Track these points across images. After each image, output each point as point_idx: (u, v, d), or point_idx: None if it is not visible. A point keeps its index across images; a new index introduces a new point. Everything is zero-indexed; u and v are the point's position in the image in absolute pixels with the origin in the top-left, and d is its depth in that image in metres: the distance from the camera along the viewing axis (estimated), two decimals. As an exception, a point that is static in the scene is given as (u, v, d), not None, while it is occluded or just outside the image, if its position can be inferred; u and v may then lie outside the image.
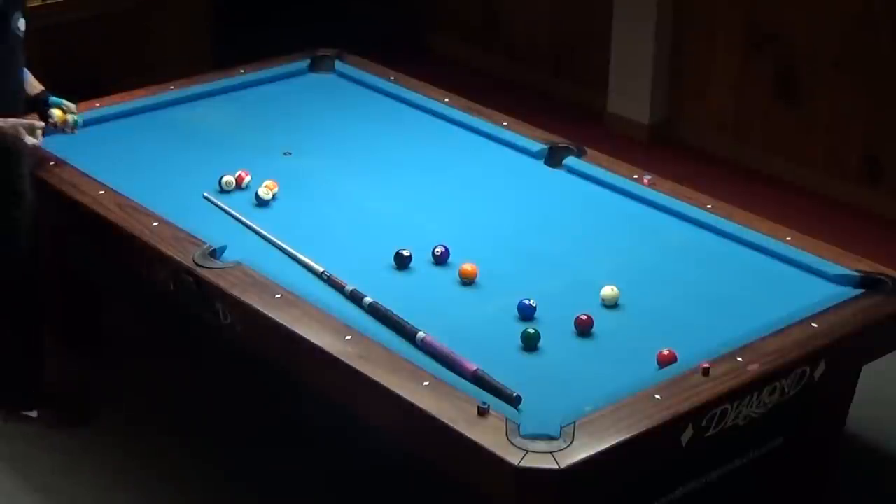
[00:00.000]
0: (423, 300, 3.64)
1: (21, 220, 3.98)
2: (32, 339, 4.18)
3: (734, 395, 3.19)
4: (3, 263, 4.01)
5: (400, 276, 3.77)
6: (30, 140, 3.88)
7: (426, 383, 3.18)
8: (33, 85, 4.18)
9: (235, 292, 3.59)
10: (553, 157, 4.44)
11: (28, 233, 4.01)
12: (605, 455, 2.96)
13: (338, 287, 3.65)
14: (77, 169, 4.17)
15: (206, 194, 4.12)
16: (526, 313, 3.55)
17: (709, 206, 4.10)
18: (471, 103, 4.84)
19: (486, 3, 7.24)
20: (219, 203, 4.10)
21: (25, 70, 4.09)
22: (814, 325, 3.45)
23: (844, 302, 3.57)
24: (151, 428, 4.20)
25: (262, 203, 4.13)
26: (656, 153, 6.14)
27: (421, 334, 3.39)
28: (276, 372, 3.73)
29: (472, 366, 3.25)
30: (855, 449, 4.14)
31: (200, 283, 3.65)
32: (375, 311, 3.52)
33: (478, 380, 3.22)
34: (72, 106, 4.20)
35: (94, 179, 4.11)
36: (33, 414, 4.18)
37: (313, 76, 5.11)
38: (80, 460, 4.08)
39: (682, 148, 6.31)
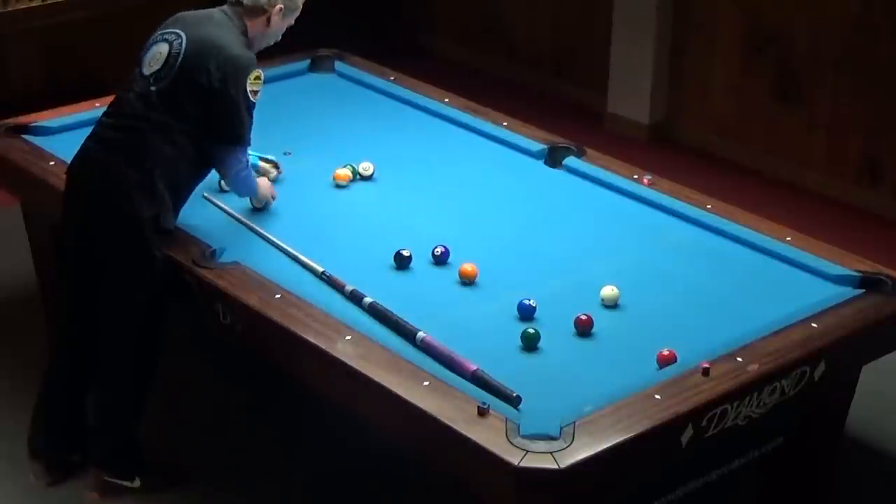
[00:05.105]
0: (423, 300, 3.64)
1: (149, 280, 3.77)
2: (144, 395, 3.92)
3: (734, 395, 3.18)
4: (131, 314, 3.80)
5: (400, 276, 3.77)
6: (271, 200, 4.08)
7: (426, 383, 3.18)
8: None
9: (235, 292, 3.59)
10: (553, 157, 4.44)
11: (154, 293, 3.79)
12: (605, 455, 2.96)
13: (338, 287, 3.65)
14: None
15: (205, 194, 4.11)
16: (526, 313, 3.55)
17: (709, 206, 4.10)
18: (471, 103, 4.84)
19: (486, 4, 7.24)
20: (219, 203, 4.10)
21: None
22: (814, 325, 3.45)
23: (844, 302, 3.57)
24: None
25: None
26: (656, 153, 6.14)
27: (421, 334, 3.39)
28: (275, 372, 3.73)
29: (471, 366, 3.25)
30: (855, 449, 4.14)
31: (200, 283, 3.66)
32: (375, 311, 3.52)
33: (478, 380, 3.21)
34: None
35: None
36: (135, 484, 3.93)
37: (313, 76, 5.11)
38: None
39: (682, 148, 6.32)
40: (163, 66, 3.75)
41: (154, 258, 3.73)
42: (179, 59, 3.73)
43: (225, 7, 3.89)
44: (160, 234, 3.74)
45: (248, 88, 3.75)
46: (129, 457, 3.95)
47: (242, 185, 3.97)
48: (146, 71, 3.77)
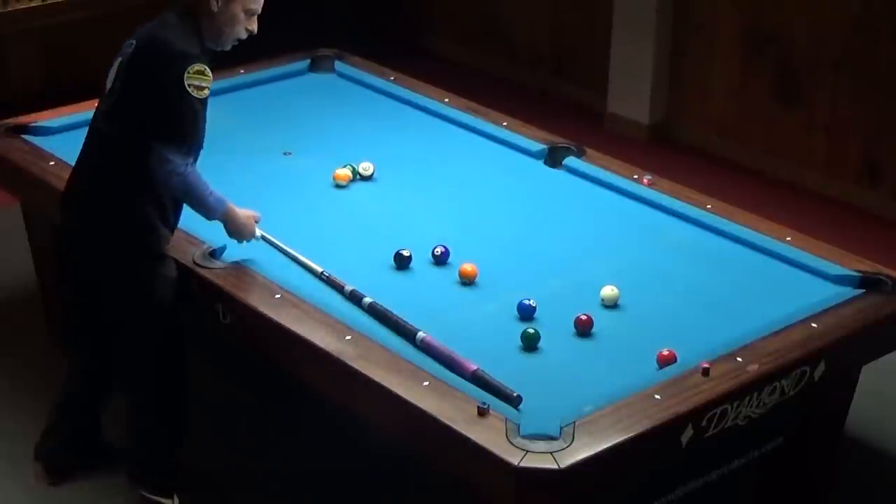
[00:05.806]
0: (423, 300, 3.64)
1: (162, 287, 3.69)
2: (177, 413, 3.86)
3: (734, 395, 3.19)
4: (151, 328, 3.72)
5: (400, 276, 3.77)
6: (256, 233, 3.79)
7: (426, 383, 3.18)
8: None
9: (235, 292, 3.59)
10: (553, 157, 4.44)
11: (169, 296, 3.70)
12: (605, 455, 2.96)
13: (337, 287, 3.65)
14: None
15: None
16: (526, 313, 3.55)
17: (709, 207, 4.10)
18: (471, 103, 4.84)
19: (486, 4, 7.24)
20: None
21: None
22: (814, 325, 3.45)
23: (844, 302, 3.57)
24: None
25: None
26: (656, 153, 6.14)
27: (421, 334, 3.39)
28: (275, 371, 3.73)
29: (471, 366, 3.25)
30: (855, 449, 4.14)
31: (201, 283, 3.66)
32: (375, 311, 3.52)
33: (478, 380, 3.21)
34: None
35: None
36: (173, 502, 3.86)
37: (313, 76, 5.11)
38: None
39: (682, 148, 6.32)
40: (116, 78, 3.62)
41: (156, 275, 3.64)
42: (126, 65, 3.59)
43: (176, 8, 3.66)
44: (155, 257, 3.64)
45: (188, 82, 3.47)
46: (167, 474, 3.88)
47: (181, 190, 3.60)
48: (107, 87, 3.65)
